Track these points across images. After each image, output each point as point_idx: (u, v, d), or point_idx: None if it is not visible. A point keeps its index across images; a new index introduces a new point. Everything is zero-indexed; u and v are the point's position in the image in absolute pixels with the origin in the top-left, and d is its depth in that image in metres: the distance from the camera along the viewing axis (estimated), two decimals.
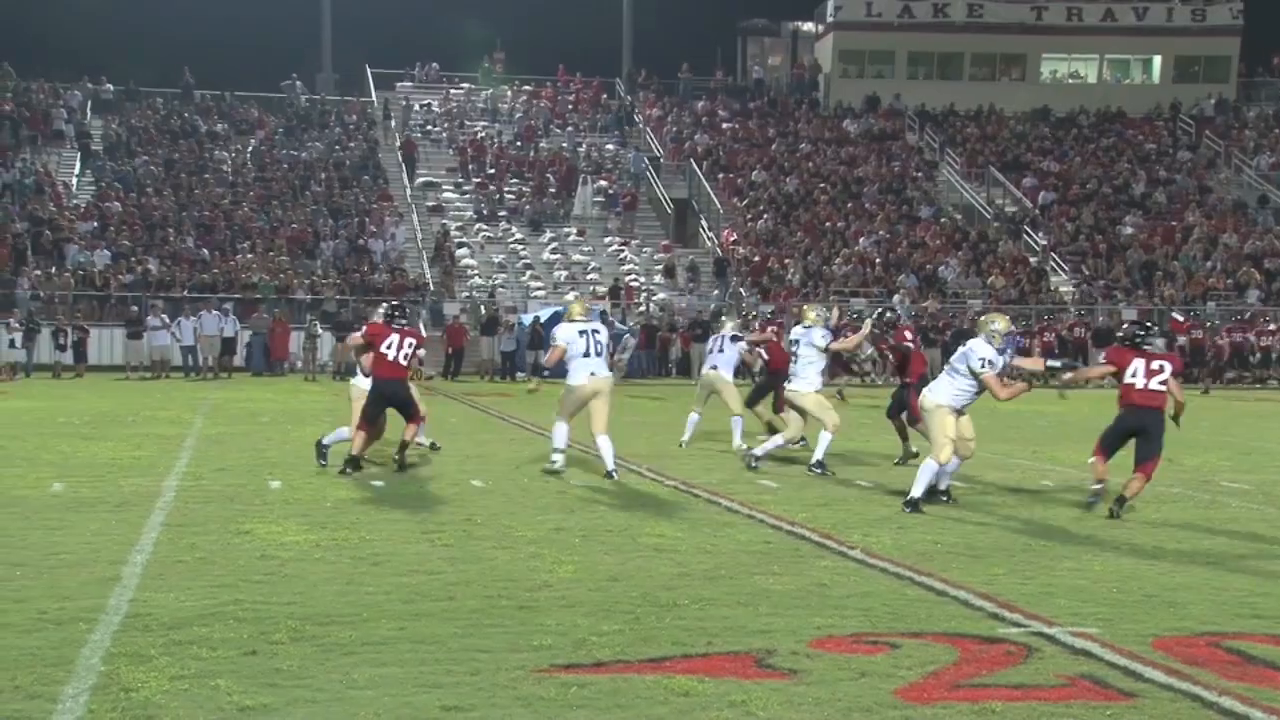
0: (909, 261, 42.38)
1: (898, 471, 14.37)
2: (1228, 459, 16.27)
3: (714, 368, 16.65)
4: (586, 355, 13.34)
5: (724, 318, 18.83)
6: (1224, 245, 43.47)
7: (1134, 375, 11.47)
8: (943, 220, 45.67)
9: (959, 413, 11.53)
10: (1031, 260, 42.98)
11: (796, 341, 14.23)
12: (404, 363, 13.41)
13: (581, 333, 13.38)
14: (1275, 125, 52.36)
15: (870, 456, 15.83)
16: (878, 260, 42.36)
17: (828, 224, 44.67)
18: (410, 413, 13.58)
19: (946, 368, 11.81)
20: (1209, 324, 37.73)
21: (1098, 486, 11.67)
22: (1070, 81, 55.94)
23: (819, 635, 6.81)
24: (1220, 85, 54.84)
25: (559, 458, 13.63)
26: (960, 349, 11.73)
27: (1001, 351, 11.63)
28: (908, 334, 15.46)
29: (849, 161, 49.46)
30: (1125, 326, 12.35)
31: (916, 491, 11.43)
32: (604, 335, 13.65)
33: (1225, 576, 8.63)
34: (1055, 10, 54.75)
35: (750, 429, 16.76)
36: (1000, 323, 11.69)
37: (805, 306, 15.26)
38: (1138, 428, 11.51)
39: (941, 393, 11.57)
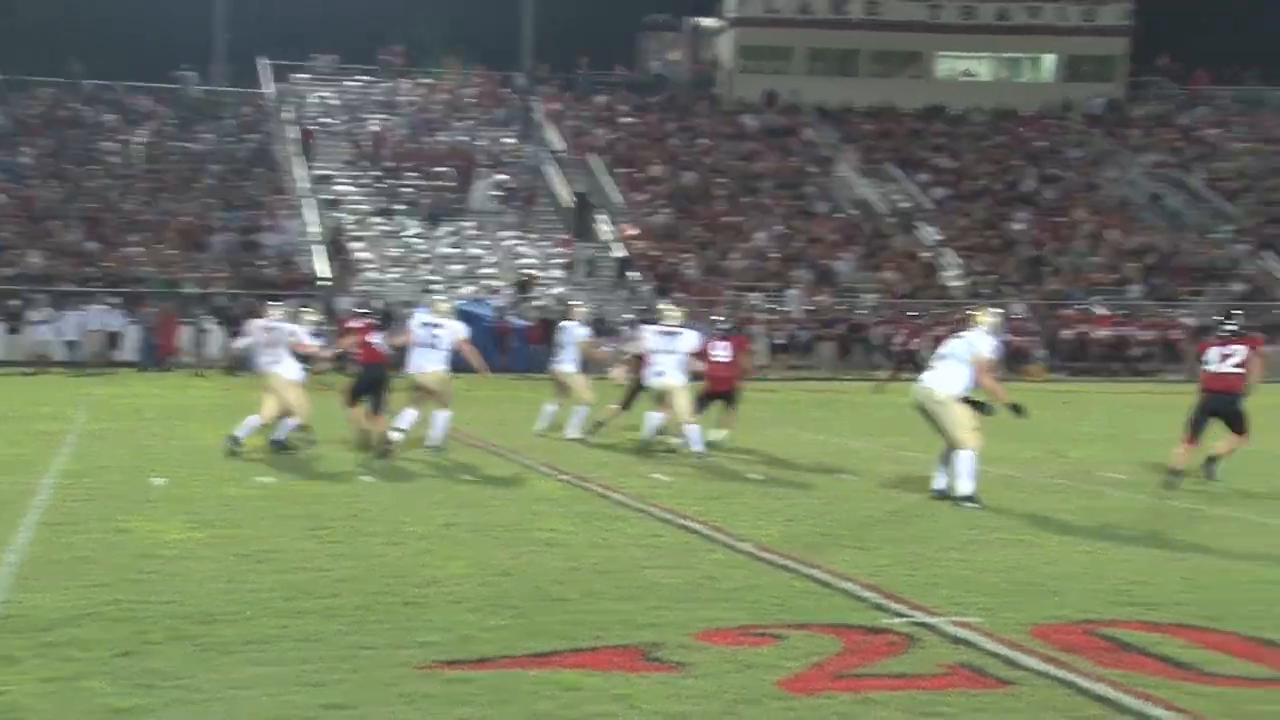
0: (805, 256, 42.73)
1: (777, 466, 14.49)
2: (1110, 450, 16.60)
3: (560, 363, 17.52)
4: (422, 346, 14.77)
5: (572, 304, 19.45)
6: (1109, 241, 44.38)
7: (1209, 362, 13.34)
8: (839, 215, 46.11)
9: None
10: (924, 255, 43.55)
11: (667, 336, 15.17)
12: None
13: (425, 325, 14.90)
14: (1161, 125, 53.55)
15: (762, 452, 15.92)
16: (774, 255, 42.65)
17: (725, 219, 44.89)
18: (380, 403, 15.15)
19: (943, 359, 11.80)
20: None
21: (1177, 472, 13.01)
22: (965, 79, 56.76)
23: (706, 628, 6.83)
24: (1110, 84, 55.97)
25: (397, 435, 14.47)
26: (958, 340, 11.85)
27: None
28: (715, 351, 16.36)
29: (747, 157, 49.74)
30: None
31: (966, 487, 11.39)
32: (445, 333, 14.81)
33: (1104, 565, 8.80)
34: (950, 9, 55.50)
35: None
36: (998, 315, 12.27)
37: (662, 306, 16.21)
38: (1213, 410, 13.30)
39: (953, 384, 11.59)
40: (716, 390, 16.22)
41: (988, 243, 44.38)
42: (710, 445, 15.40)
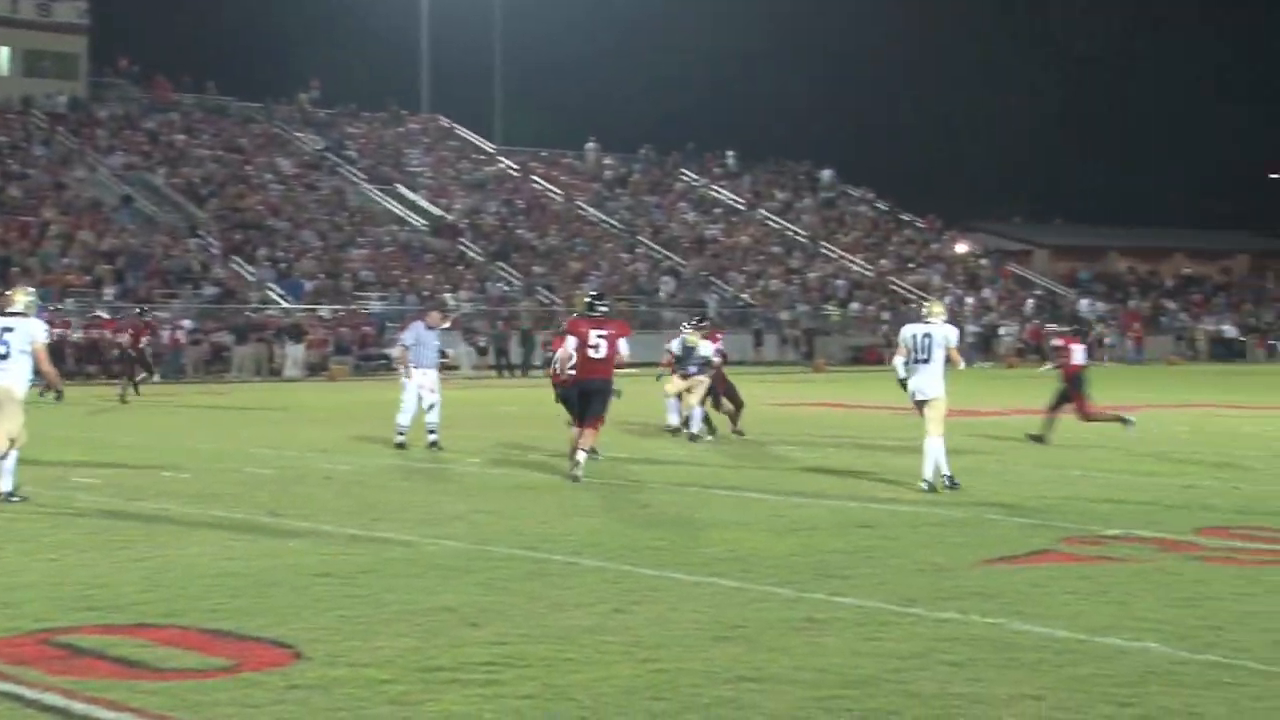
0: None
1: None
2: (82, 454, 16.31)
3: None
4: None
5: None
6: (81, 242, 43.67)
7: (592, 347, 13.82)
8: None
9: None
10: None
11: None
12: None
13: None
14: (125, 125, 53.61)
15: None
16: None
17: None
18: None
19: (7, 357, 11.70)
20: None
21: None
22: None
23: None
24: (71, 82, 55.02)
25: None
26: (12, 333, 11.77)
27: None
28: None
29: None
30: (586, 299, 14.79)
31: (8, 484, 11.85)
32: None
33: (66, 572, 8.62)
34: None
35: None
36: (33, 294, 12.41)
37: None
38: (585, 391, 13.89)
39: (23, 378, 11.84)
40: None
41: None
42: None
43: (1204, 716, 5.52)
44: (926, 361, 13.15)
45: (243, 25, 67.74)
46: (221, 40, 65.27)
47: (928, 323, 13.37)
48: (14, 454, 11.86)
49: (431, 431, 17.16)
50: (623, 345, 14.05)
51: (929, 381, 13.11)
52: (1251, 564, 9.02)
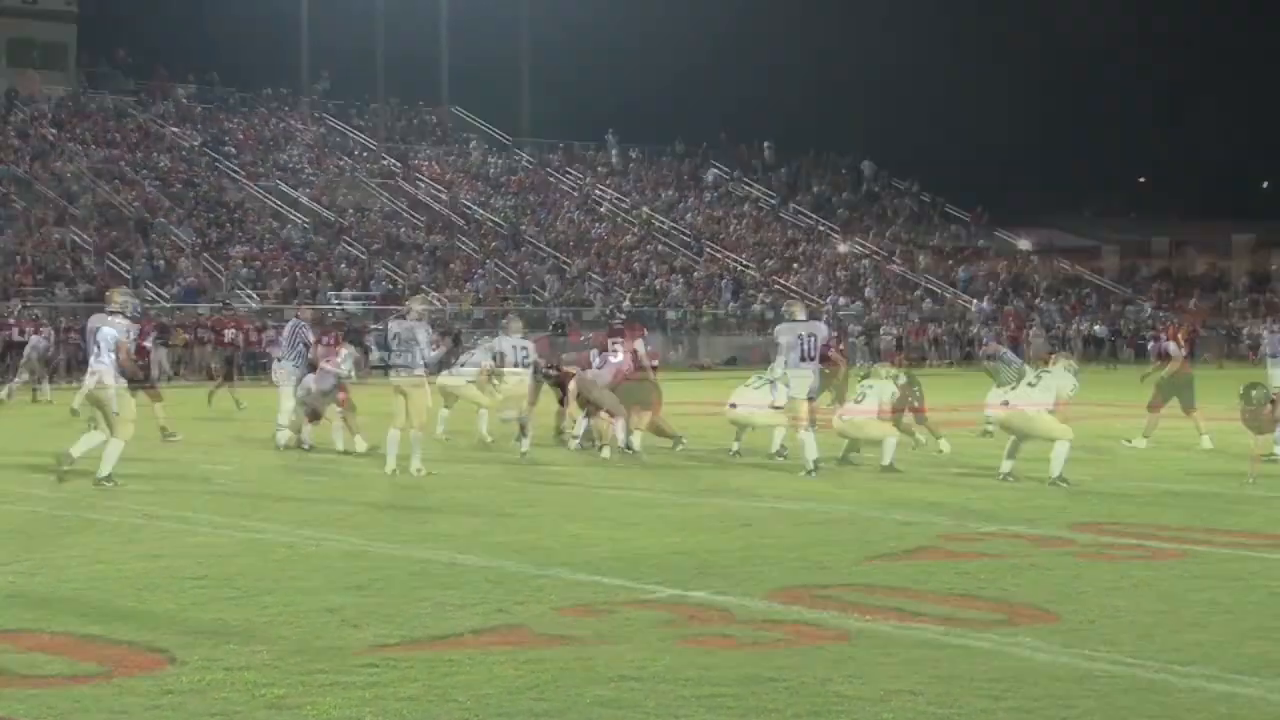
0: None
1: None
2: None
3: None
4: None
5: None
6: None
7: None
8: None
9: None
10: None
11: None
12: None
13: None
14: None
15: None
16: None
17: None
18: None
19: (102, 354, 12.75)
20: None
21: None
22: None
23: None
24: None
25: None
26: (105, 329, 12.80)
27: None
28: None
29: None
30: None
31: (106, 470, 12.70)
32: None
33: None
34: None
35: None
36: (129, 294, 13.65)
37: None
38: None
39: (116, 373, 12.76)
40: None
41: None
42: None
43: (1075, 709, 5.63)
44: (814, 359, 13.61)
45: (112, 15, 66.01)
46: (93, 31, 63.53)
47: (796, 321, 13.75)
48: (100, 436, 12.85)
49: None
50: (639, 345, 15.85)
51: (814, 379, 13.75)
52: (1121, 559, 9.23)
